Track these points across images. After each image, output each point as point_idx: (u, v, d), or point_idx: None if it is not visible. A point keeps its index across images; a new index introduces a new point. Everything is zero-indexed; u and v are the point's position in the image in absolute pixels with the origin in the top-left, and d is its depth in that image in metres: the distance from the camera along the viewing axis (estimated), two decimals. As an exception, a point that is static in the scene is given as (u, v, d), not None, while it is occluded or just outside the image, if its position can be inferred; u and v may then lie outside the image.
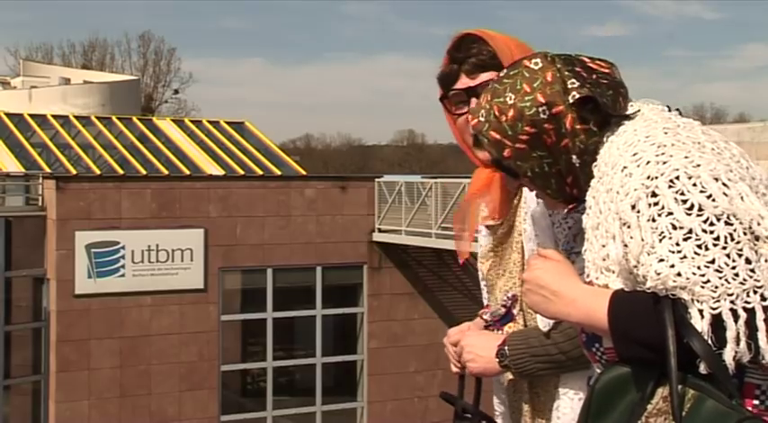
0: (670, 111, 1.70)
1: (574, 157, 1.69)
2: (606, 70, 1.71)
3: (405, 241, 19.31)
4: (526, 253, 2.09)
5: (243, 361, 20.43)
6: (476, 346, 2.11)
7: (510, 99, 1.69)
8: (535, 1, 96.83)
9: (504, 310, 2.14)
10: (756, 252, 1.47)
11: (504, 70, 1.75)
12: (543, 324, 2.00)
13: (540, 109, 1.67)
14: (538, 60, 1.70)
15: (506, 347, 2.06)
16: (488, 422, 2.16)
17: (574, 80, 1.66)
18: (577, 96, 1.65)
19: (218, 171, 23.27)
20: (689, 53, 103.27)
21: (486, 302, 2.25)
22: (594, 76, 1.68)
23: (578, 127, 1.66)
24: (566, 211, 1.84)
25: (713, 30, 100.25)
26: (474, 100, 2.07)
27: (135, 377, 18.27)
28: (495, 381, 2.21)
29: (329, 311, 20.12)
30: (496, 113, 1.71)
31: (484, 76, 2.07)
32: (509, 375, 2.12)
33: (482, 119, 1.74)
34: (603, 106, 1.65)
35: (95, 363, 18.02)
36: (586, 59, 1.72)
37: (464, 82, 2.11)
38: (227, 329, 19.47)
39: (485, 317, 2.17)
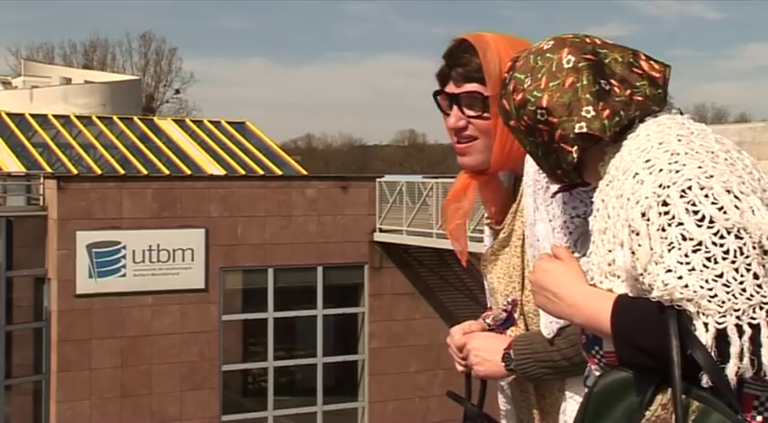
0: (682, 114, 1.68)
1: (561, 161, 1.69)
2: (656, 75, 1.67)
3: (406, 241, 19.31)
4: (527, 258, 2.09)
5: (244, 361, 20.43)
6: (482, 349, 2.13)
7: (527, 83, 1.68)
8: (537, 1, 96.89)
9: (505, 314, 2.15)
10: (764, 267, 1.46)
11: (551, 43, 1.70)
12: (547, 331, 2.01)
13: (539, 111, 1.66)
14: (572, 58, 1.66)
15: (512, 352, 2.07)
16: None
17: (590, 108, 1.62)
18: (584, 129, 1.63)
19: (220, 171, 23.27)
20: (691, 53, 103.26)
21: (489, 304, 2.26)
22: (628, 93, 1.64)
23: (562, 145, 1.66)
24: (557, 188, 1.85)
25: (715, 30, 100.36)
26: (456, 107, 2.10)
27: (136, 377, 18.27)
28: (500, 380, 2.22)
29: (330, 311, 20.11)
30: (511, 88, 1.71)
31: (467, 87, 2.08)
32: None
33: (506, 79, 1.74)
34: (604, 139, 1.63)
35: (96, 362, 18.02)
36: (642, 57, 1.68)
37: (450, 88, 2.12)
38: (228, 329, 19.47)
39: (487, 321, 2.18)
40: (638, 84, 1.65)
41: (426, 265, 20.19)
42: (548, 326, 2.00)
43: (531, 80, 1.67)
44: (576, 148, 1.64)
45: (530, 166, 2.02)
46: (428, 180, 19.94)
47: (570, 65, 1.65)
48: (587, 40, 1.69)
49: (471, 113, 2.08)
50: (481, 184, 2.18)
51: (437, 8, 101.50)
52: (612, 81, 1.64)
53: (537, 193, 2.02)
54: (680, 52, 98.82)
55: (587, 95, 1.63)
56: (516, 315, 2.14)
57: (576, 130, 1.63)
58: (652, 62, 1.69)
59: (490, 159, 2.10)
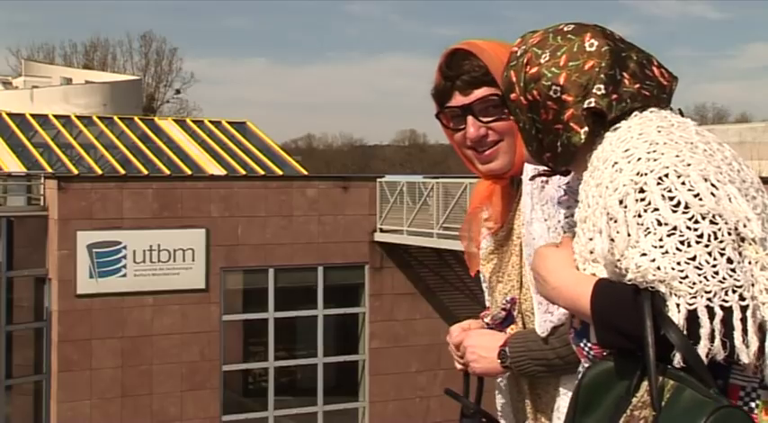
0: (672, 110, 1.70)
1: (558, 143, 1.69)
2: (664, 82, 1.69)
3: (406, 241, 19.31)
4: (524, 256, 2.10)
5: (244, 361, 20.44)
6: (479, 346, 2.14)
7: (544, 58, 1.68)
8: (537, 1, 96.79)
9: (504, 313, 2.16)
10: (740, 253, 1.48)
11: (572, 26, 1.71)
12: (541, 330, 2.02)
13: (554, 87, 1.66)
14: (594, 43, 1.67)
15: (507, 349, 2.08)
16: (489, 421, 2.17)
17: (602, 86, 1.63)
18: (593, 104, 1.64)
19: (220, 171, 23.28)
20: (693, 53, 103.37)
21: (487, 304, 2.27)
22: (637, 86, 1.65)
23: (572, 125, 1.66)
24: (537, 173, 1.85)
25: (717, 29, 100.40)
26: (470, 117, 2.07)
27: (136, 377, 18.28)
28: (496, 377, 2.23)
29: (331, 311, 20.12)
30: (525, 60, 1.71)
31: (478, 93, 2.06)
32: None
33: (517, 52, 1.73)
34: (609, 121, 1.64)
35: (97, 363, 18.03)
36: (654, 63, 1.70)
37: (458, 99, 2.09)
38: (229, 329, 19.48)
39: (486, 320, 2.19)
40: (647, 82, 1.67)
41: (427, 265, 20.20)
42: (542, 325, 2.01)
43: (550, 56, 1.68)
44: (586, 129, 1.65)
45: (529, 165, 2.02)
46: (429, 180, 19.93)
47: (593, 48, 1.66)
48: (608, 31, 1.71)
49: (489, 119, 2.06)
50: (502, 188, 2.17)
51: (438, 8, 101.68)
52: (625, 73, 1.66)
53: (533, 192, 2.03)
54: (681, 52, 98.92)
55: (602, 76, 1.64)
56: (515, 313, 2.15)
57: (585, 105, 1.64)
58: (663, 70, 1.71)
59: (514, 159, 2.09)
